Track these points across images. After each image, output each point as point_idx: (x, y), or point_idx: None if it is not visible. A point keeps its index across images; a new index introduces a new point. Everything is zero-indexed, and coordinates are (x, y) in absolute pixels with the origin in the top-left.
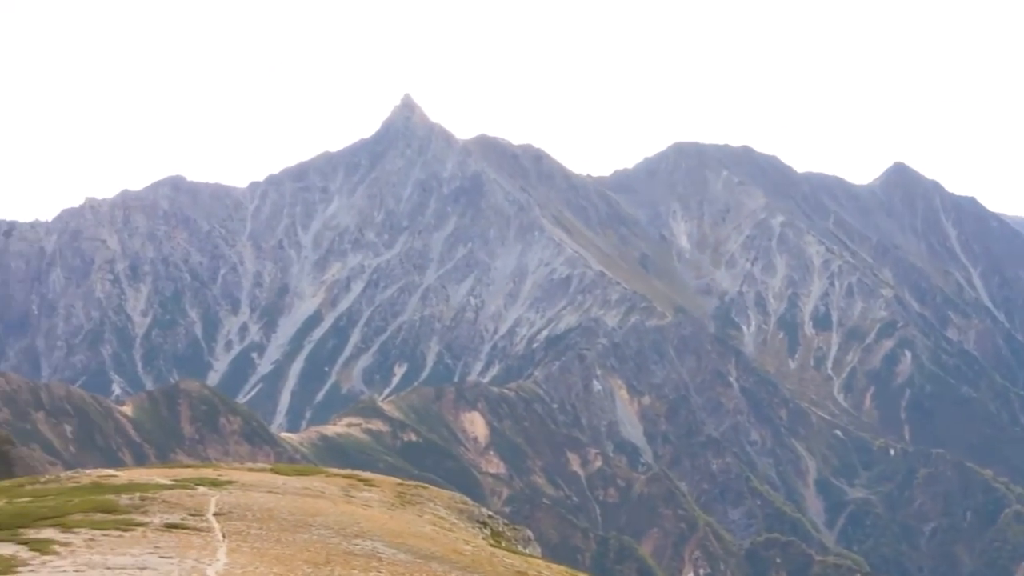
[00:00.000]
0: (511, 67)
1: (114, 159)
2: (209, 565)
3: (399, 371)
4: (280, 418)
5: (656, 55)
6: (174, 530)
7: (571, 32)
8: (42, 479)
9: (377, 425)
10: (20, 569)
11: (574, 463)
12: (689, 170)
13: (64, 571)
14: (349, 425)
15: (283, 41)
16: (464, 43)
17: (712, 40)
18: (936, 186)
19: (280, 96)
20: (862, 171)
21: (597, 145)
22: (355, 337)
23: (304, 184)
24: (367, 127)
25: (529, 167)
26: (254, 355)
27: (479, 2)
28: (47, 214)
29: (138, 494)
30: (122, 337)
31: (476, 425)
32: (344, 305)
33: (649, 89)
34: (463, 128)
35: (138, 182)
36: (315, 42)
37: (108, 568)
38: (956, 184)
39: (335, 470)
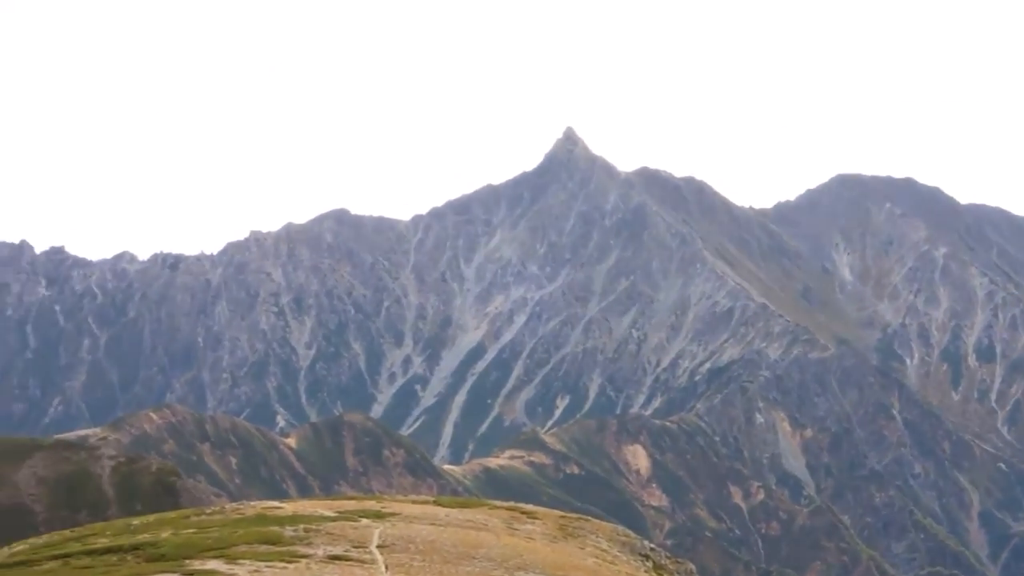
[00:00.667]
0: (673, 99)
1: (278, 192)
2: None
3: (561, 403)
4: (443, 450)
5: (818, 87)
6: (338, 562)
7: (733, 65)
8: (207, 510)
9: (539, 458)
10: None
11: (736, 496)
12: (851, 202)
13: None
14: (512, 457)
15: (446, 74)
16: (626, 75)
17: (874, 72)
18: None
19: (443, 129)
20: None
21: (759, 177)
22: (518, 369)
23: (467, 217)
24: (530, 160)
25: (691, 199)
26: (417, 387)
27: (642, 36)
28: (212, 247)
29: (302, 526)
30: (286, 369)
31: (638, 457)
32: (507, 337)
33: (812, 120)
34: (625, 160)
35: (302, 215)
36: (479, 75)
37: None
38: None
39: (498, 502)
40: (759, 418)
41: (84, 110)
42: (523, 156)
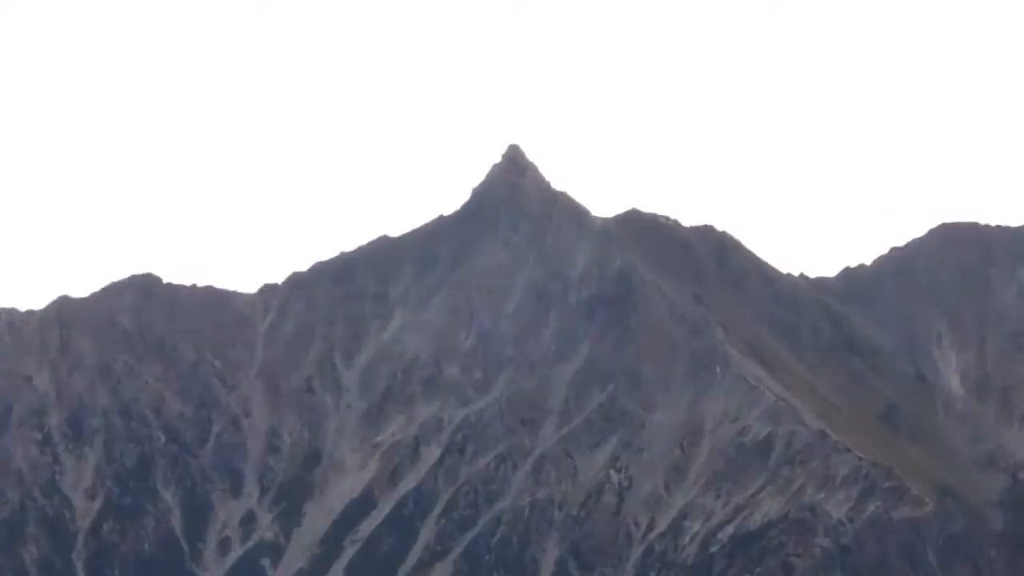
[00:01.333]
0: (675, 106)
1: (49, 253)
2: None
3: None
4: None
5: (904, 96)
6: None
7: (769, 52)
8: None
9: None
10: None
11: None
12: (962, 266)
13: None
14: None
15: (315, 65)
16: (600, 68)
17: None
18: None
19: (312, 150)
20: None
21: (814, 228)
22: (426, 535)
23: (348, 289)
24: (450, 198)
25: (707, 261)
26: (265, 562)
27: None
28: None
29: None
30: (55, 532)
31: None
32: (409, 483)
33: (896, 145)
34: (602, 200)
35: (84, 285)
36: (366, 66)
37: None
38: None
39: None
40: None
41: None
42: (439, 190)
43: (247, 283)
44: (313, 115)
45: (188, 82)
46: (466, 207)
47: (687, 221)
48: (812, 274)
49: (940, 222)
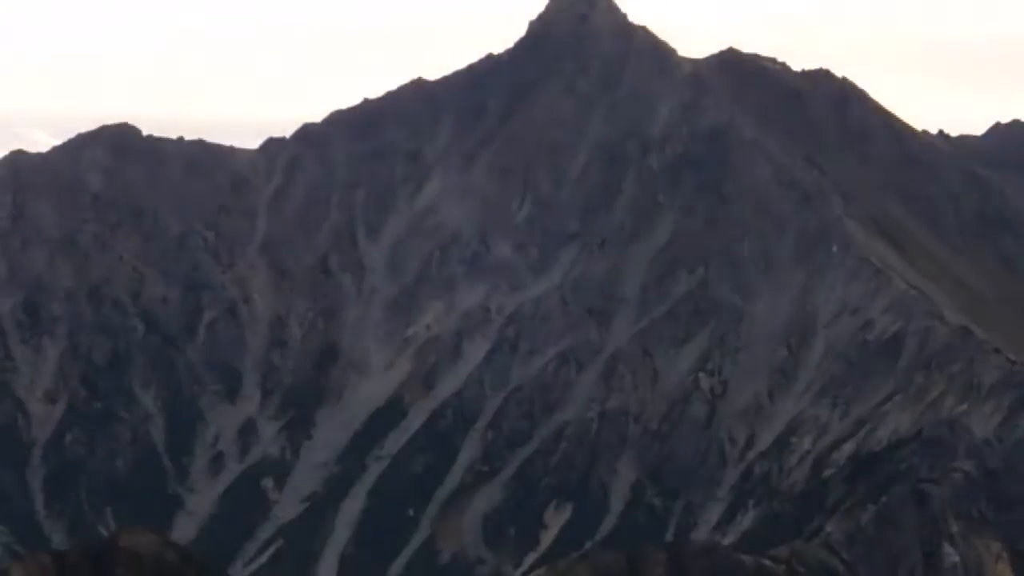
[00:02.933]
0: None
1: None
2: None
3: (556, 520)
4: None
5: None
6: None
7: None
8: None
9: None
10: None
11: None
12: None
13: None
14: None
15: None
16: None
17: None
18: None
19: None
20: None
21: (957, 77)
22: (469, 450)
23: (373, 144)
24: (500, 34)
25: (822, 115)
26: (267, 483)
27: None
28: None
29: None
30: (5, 444)
31: None
32: (449, 387)
33: None
34: (692, 38)
35: (45, 137)
36: None
37: None
38: None
39: None
40: (950, 554)
41: None
42: (488, 24)
43: (247, 137)
44: None
45: None
46: (520, 45)
47: (798, 64)
48: (954, 132)
49: None
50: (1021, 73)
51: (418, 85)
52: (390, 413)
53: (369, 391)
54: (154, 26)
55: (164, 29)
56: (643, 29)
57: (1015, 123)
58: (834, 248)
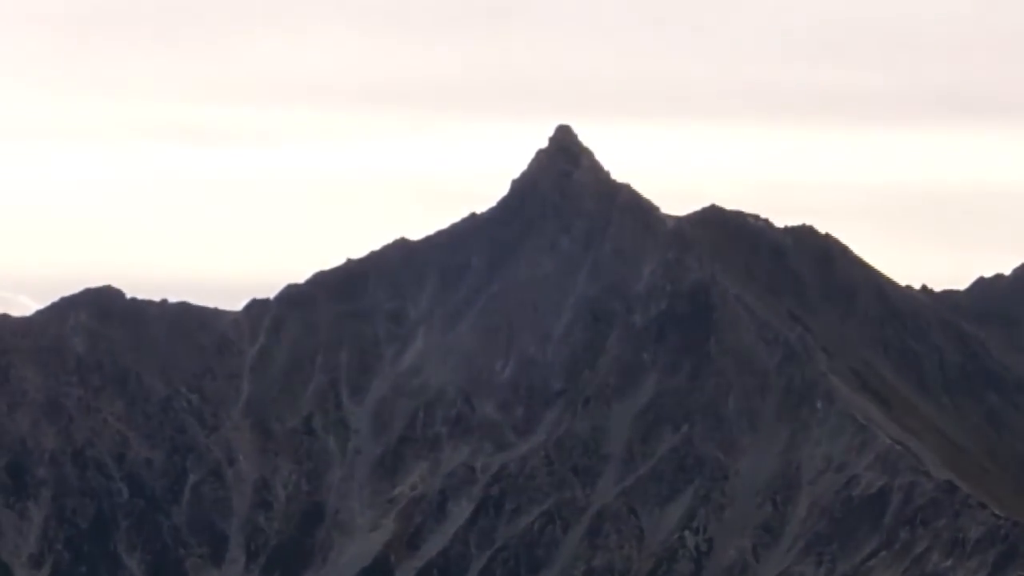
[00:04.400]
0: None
1: None
2: None
3: None
4: None
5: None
6: None
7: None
8: None
9: None
10: None
11: None
12: None
13: None
14: None
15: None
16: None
17: None
18: None
19: (307, 134)
20: None
21: (940, 233)
22: None
23: (357, 306)
24: (486, 190)
25: (806, 271)
26: None
27: None
28: None
29: None
30: None
31: None
32: (434, 547)
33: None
34: (674, 196)
35: (28, 301)
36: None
37: None
38: None
39: None
40: None
41: None
42: (471, 184)
43: (231, 300)
44: (315, 77)
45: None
46: (504, 204)
47: (780, 221)
48: (937, 287)
49: None
50: (1002, 227)
51: (401, 245)
52: (377, 574)
53: (354, 551)
54: (136, 187)
55: (146, 190)
56: (626, 187)
57: (998, 277)
58: (818, 404)
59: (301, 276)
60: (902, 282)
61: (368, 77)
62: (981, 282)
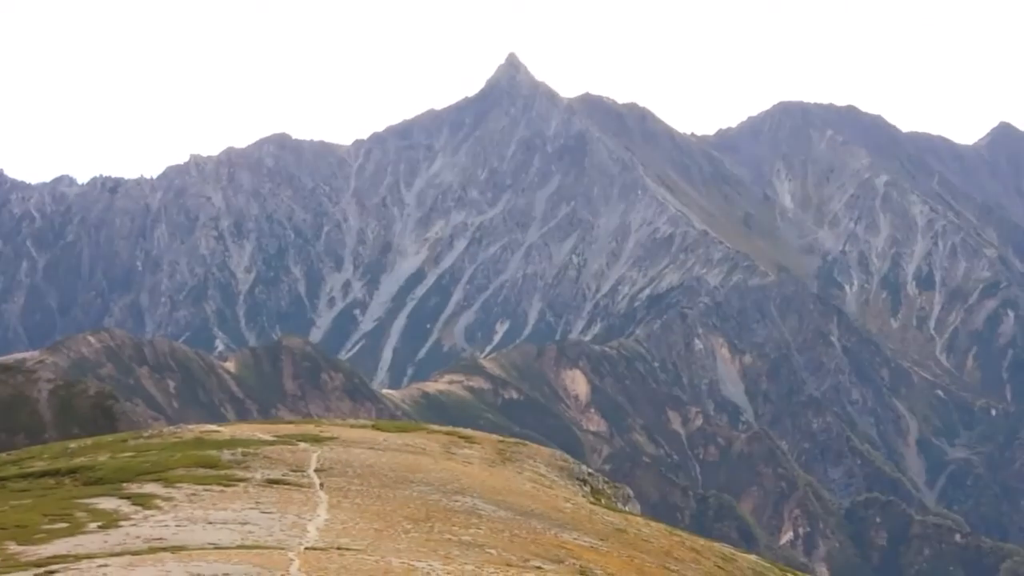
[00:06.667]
0: (615, 25)
1: (219, 116)
2: (310, 520)
3: (501, 328)
4: (382, 375)
5: (761, 13)
6: (275, 486)
7: None
8: (145, 434)
9: (479, 382)
10: (122, 523)
11: (675, 421)
12: (793, 129)
13: (166, 525)
14: (451, 382)
15: None
16: (570, 1)
17: None
18: None
19: (385, 54)
20: (967, 131)
21: (701, 104)
22: (457, 295)
23: (408, 142)
24: (472, 85)
25: (633, 126)
26: (356, 312)
27: None
28: (152, 171)
29: (240, 450)
30: (226, 293)
31: (577, 383)
32: (447, 263)
33: (753, 47)
34: (567, 87)
35: (243, 139)
36: (421, 0)
37: (210, 523)
38: None
39: (436, 427)
40: (698, 344)
41: (19, 30)
42: (465, 81)
43: (344, 136)
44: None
45: None
46: (482, 91)
47: (621, 99)
48: (699, 133)
49: (780, 100)
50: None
51: (430, 111)
52: (417, 276)
53: (407, 265)
54: (299, 63)
55: (306, 64)
56: (543, 83)
57: (728, 128)
58: (639, 192)
59: (380, 127)
60: (682, 130)
61: None
62: (720, 131)
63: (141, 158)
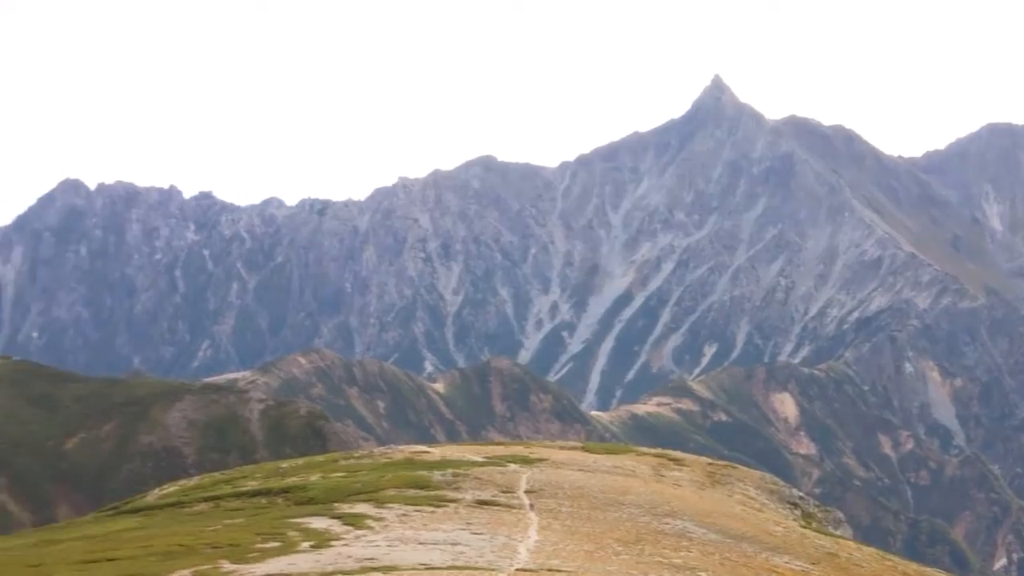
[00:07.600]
0: (822, 47)
1: (425, 139)
2: (520, 542)
3: (709, 351)
4: (590, 396)
5: (969, 35)
6: (486, 506)
7: (884, 12)
8: (356, 454)
9: (687, 404)
10: (334, 543)
11: (885, 445)
12: (1002, 151)
13: (377, 545)
14: (659, 404)
15: (594, 23)
16: (774, 22)
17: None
18: None
19: (591, 77)
20: None
21: (908, 126)
22: (665, 317)
23: (614, 164)
24: (677, 108)
25: (840, 148)
26: (564, 334)
27: None
28: (360, 193)
29: (450, 470)
30: (434, 315)
31: (786, 406)
32: (654, 284)
33: (963, 69)
34: (773, 108)
35: (449, 162)
36: (626, 24)
37: (421, 543)
38: None
39: (645, 449)
40: (908, 367)
41: (230, 59)
42: (670, 104)
43: (549, 159)
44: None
45: None
46: (688, 113)
47: (827, 121)
48: (907, 155)
49: (988, 121)
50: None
51: (636, 134)
52: (625, 298)
53: (614, 287)
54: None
55: (512, 92)
56: (748, 105)
57: (936, 151)
58: (846, 214)
59: (586, 149)
60: (889, 152)
61: None
62: (928, 153)
63: (348, 180)
